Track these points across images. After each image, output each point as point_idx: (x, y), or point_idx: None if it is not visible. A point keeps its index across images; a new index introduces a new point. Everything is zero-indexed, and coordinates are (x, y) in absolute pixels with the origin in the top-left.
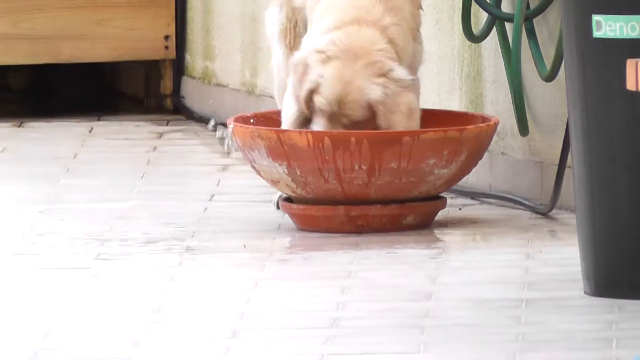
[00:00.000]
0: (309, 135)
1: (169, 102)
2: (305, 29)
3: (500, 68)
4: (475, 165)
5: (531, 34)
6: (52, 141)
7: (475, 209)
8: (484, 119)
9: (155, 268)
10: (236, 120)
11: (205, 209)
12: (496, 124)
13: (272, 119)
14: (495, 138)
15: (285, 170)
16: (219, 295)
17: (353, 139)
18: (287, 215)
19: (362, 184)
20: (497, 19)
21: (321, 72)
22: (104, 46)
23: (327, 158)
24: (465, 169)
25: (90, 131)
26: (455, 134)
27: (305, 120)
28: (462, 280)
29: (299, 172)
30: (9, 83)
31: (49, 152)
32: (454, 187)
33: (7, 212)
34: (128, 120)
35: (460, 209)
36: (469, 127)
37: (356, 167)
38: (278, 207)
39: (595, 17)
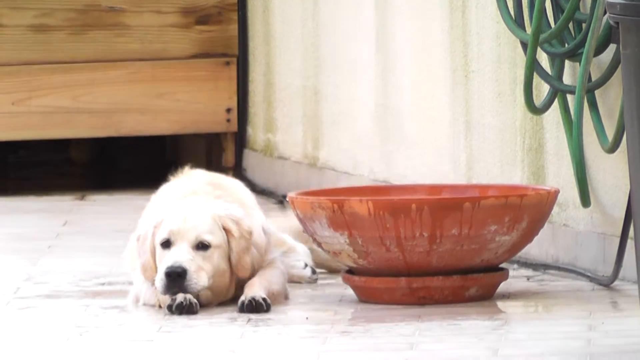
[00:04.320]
0: (370, 204)
1: (230, 175)
2: None
3: (562, 140)
4: (536, 233)
5: (593, 106)
6: (114, 214)
7: (537, 281)
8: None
9: (218, 340)
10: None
11: None
12: (557, 192)
13: (332, 193)
14: (557, 209)
15: (347, 240)
16: None
17: (414, 206)
18: (349, 288)
19: (423, 252)
20: (558, 92)
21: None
22: (165, 119)
23: (388, 226)
24: (527, 237)
25: None
26: (516, 200)
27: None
28: (525, 352)
29: (360, 242)
30: (71, 156)
31: (111, 225)
32: (516, 258)
33: (69, 285)
34: None
35: (528, 279)
36: (530, 193)
37: (417, 234)
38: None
39: None
